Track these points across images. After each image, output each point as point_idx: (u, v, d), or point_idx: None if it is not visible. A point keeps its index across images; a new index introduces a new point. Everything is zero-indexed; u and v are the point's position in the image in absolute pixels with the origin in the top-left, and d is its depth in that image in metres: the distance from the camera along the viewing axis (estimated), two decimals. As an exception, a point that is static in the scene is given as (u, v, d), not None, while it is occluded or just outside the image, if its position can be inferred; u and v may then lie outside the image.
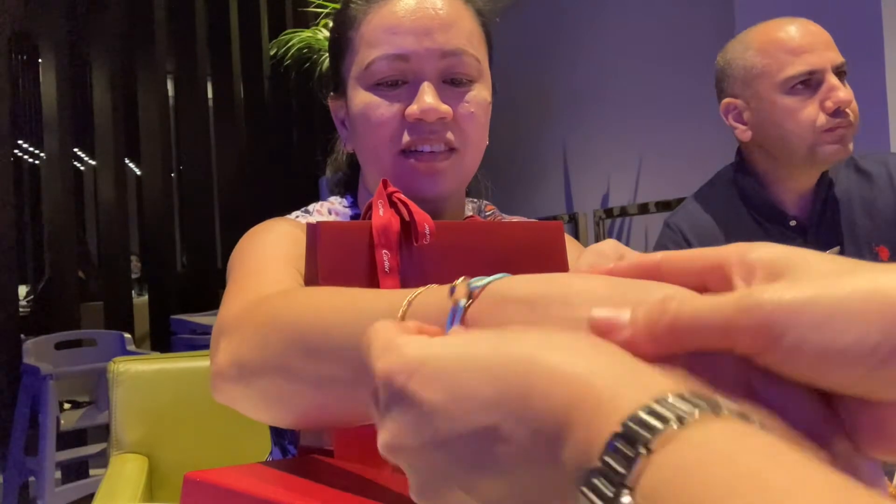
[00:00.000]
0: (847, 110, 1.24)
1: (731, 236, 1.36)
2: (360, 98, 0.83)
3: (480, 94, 0.84)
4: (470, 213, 0.99)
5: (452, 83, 0.83)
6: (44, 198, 4.11)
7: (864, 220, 1.32)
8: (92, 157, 5.60)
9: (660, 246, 1.41)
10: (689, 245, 1.36)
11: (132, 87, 4.36)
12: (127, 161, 4.69)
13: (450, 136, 0.82)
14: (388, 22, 0.82)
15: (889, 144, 2.39)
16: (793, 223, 1.33)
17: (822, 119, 1.24)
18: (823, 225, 1.32)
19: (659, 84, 3.84)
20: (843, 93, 1.23)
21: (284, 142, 4.65)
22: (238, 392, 0.58)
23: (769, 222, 1.34)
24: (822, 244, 1.31)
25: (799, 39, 1.25)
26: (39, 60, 4.11)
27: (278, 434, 0.91)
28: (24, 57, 6.22)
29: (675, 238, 1.38)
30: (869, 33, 2.43)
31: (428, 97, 0.80)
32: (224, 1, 4.54)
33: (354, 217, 0.92)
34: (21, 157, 8.06)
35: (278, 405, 0.55)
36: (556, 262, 0.76)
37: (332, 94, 0.92)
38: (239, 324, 0.59)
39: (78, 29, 4.22)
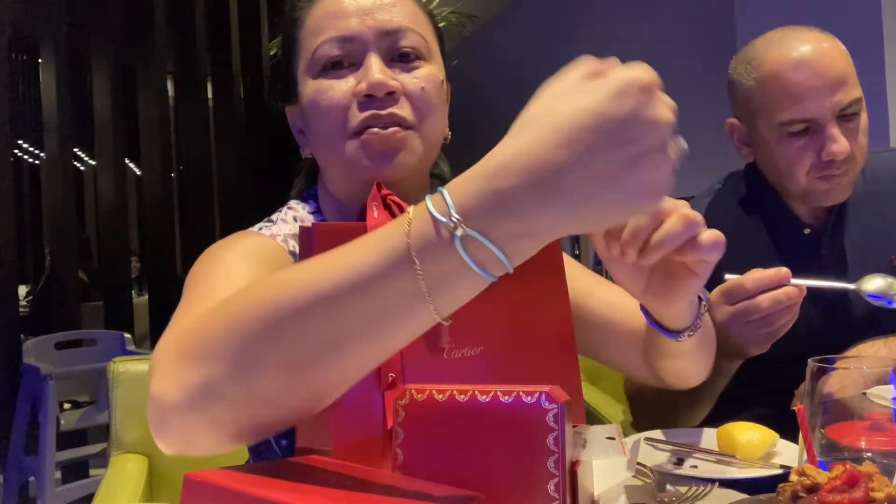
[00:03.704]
0: (841, 161, 1.16)
1: (738, 243, 1.27)
2: (310, 87, 0.83)
3: (431, 71, 0.83)
4: None
5: (401, 59, 0.82)
6: (44, 198, 4.11)
7: (881, 226, 1.26)
8: (92, 157, 5.61)
9: None
10: None
11: (132, 87, 4.36)
12: (127, 161, 4.69)
13: (401, 112, 0.80)
14: (331, 9, 0.82)
15: (889, 145, 2.39)
16: (807, 231, 1.26)
17: (817, 165, 1.17)
18: (838, 234, 1.26)
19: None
20: (838, 145, 1.15)
21: (284, 142, 4.64)
22: (210, 416, 0.52)
23: (782, 231, 1.27)
24: (836, 254, 1.25)
25: (801, 83, 1.15)
26: (39, 60, 4.11)
27: None
28: (24, 57, 6.22)
29: None
30: (869, 33, 2.43)
31: (376, 72, 0.79)
32: (224, 1, 4.54)
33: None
34: (21, 157, 8.07)
35: (288, 392, 0.50)
36: (550, 258, 0.76)
37: (288, 104, 0.91)
38: (189, 345, 0.55)
39: (78, 29, 4.21)
